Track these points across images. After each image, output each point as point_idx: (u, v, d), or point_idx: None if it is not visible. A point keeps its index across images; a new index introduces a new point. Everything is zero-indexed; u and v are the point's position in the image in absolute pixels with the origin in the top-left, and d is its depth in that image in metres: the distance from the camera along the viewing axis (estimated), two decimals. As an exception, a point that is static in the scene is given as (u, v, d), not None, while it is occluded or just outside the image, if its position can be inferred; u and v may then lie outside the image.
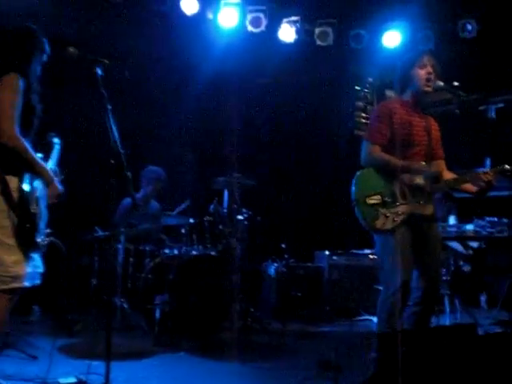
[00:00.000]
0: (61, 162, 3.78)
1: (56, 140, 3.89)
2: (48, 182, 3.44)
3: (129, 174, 3.40)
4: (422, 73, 4.06)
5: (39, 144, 3.49)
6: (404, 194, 3.93)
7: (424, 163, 3.99)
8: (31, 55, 3.48)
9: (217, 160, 7.57)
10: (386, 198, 3.92)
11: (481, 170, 4.08)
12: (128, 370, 4.34)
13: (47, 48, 3.60)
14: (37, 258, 3.43)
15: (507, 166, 3.91)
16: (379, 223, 3.88)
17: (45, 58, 3.61)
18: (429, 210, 3.99)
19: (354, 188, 4.03)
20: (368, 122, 4.34)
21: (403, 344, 2.99)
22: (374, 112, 4.27)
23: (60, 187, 3.53)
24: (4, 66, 3.35)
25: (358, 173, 4.07)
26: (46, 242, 3.51)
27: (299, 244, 7.81)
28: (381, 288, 4.09)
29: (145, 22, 6.94)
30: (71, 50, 3.52)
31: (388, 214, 3.88)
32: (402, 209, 3.90)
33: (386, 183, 3.95)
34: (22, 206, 3.24)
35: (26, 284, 3.33)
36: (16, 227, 3.23)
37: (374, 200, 3.92)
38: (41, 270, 3.47)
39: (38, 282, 3.44)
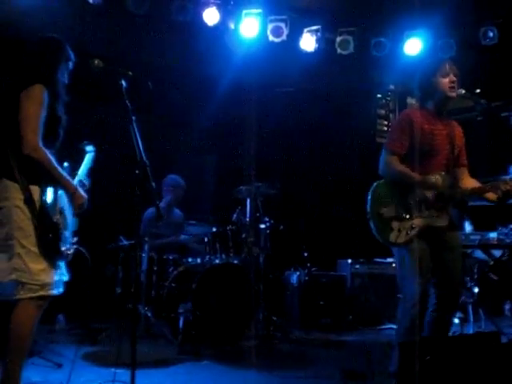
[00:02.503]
0: (91, 171, 3.85)
1: (90, 148, 3.95)
2: (71, 193, 3.49)
3: (153, 184, 3.44)
4: (445, 81, 4.02)
5: (70, 152, 3.56)
6: (418, 208, 3.90)
7: (439, 176, 3.95)
8: (56, 65, 3.53)
9: (239, 169, 7.61)
10: (400, 212, 3.90)
11: (503, 178, 4.05)
12: (152, 378, 4.38)
13: (72, 56, 3.65)
14: (63, 266, 3.49)
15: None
16: (393, 237, 3.87)
17: (71, 65, 3.66)
18: (444, 221, 3.95)
19: (368, 201, 4.03)
20: (389, 129, 4.33)
21: (426, 353, 2.98)
22: (395, 121, 4.31)
23: (84, 197, 3.56)
24: (29, 77, 3.40)
25: (374, 184, 4.07)
26: (71, 251, 3.57)
27: (321, 252, 7.80)
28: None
29: (167, 32, 7.01)
30: (96, 62, 3.56)
31: (401, 228, 3.86)
32: (416, 222, 3.88)
33: (400, 196, 3.93)
34: (43, 215, 3.29)
35: (54, 292, 3.38)
36: (40, 236, 3.29)
37: (388, 213, 3.92)
38: (65, 278, 3.52)
39: (61, 290, 3.49)
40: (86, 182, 3.78)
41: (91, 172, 3.88)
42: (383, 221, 3.92)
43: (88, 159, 3.91)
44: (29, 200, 3.27)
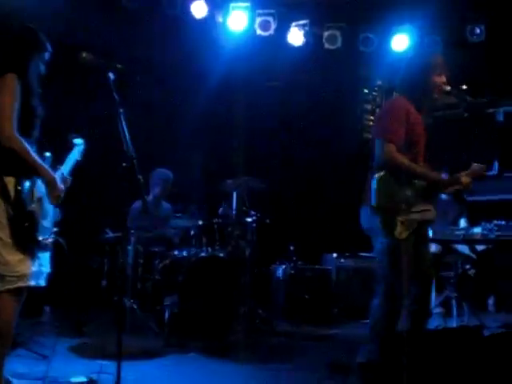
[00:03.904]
0: (76, 164, 3.82)
1: (78, 141, 3.90)
2: (47, 181, 3.44)
3: (140, 177, 3.44)
4: (438, 81, 4.03)
5: (54, 144, 3.52)
6: (415, 201, 3.91)
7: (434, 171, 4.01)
8: (29, 55, 3.49)
9: (226, 162, 7.63)
10: (402, 205, 3.87)
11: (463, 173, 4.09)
12: (138, 370, 4.38)
13: (49, 46, 3.61)
14: (43, 257, 3.45)
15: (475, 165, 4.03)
16: (398, 232, 3.81)
17: (47, 56, 3.61)
18: (433, 214, 3.98)
19: (373, 195, 3.87)
20: (378, 119, 4.24)
21: (409, 346, 3.02)
22: (388, 109, 4.13)
23: (61, 188, 3.54)
24: (1, 67, 3.36)
25: (376, 177, 3.88)
26: (50, 241, 3.51)
27: (307, 246, 7.84)
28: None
29: (155, 26, 7.00)
30: (84, 54, 3.54)
31: (404, 222, 3.84)
32: (415, 216, 3.88)
33: (400, 188, 3.86)
34: (19, 205, 3.26)
35: (32, 283, 3.35)
36: (15, 226, 3.26)
37: (393, 207, 3.82)
38: (47, 269, 3.49)
39: (42, 283, 3.45)
40: (68, 179, 3.72)
41: (77, 165, 3.86)
42: (388, 215, 3.83)
43: (75, 152, 3.88)
44: (2, 191, 3.25)
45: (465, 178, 3.98)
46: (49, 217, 3.49)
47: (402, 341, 3.13)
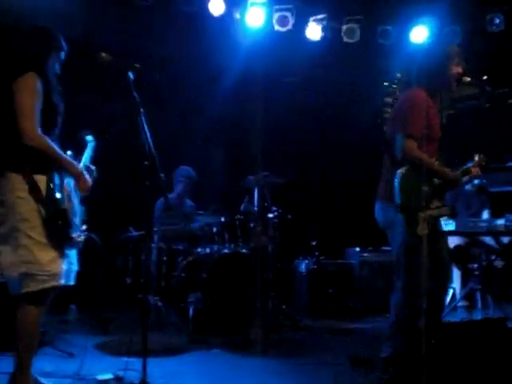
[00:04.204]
0: (97, 163, 3.85)
1: (89, 138, 3.91)
2: (76, 175, 3.48)
3: (162, 175, 3.47)
4: (456, 71, 3.99)
5: (73, 142, 3.56)
6: (432, 197, 3.88)
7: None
8: (47, 54, 3.50)
9: (246, 159, 7.64)
10: (422, 201, 3.83)
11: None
12: (164, 367, 4.43)
13: (64, 46, 3.62)
14: (72, 255, 3.47)
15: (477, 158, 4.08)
16: (420, 229, 3.78)
17: (62, 55, 3.63)
18: (449, 210, 3.98)
19: (397, 193, 3.81)
20: (398, 112, 4.17)
21: (433, 338, 3.01)
22: (409, 103, 4.02)
23: (89, 180, 3.57)
24: (21, 67, 3.37)
25: (398, 173, 3.83)
26: (82, 238, 3.52)
27: (329, 241, 7.83)
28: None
29: (173, 24, 7.02)
30: (103, 55, 3.57)
31: (424, 219, 3.81)
32: (433, 212, 3.86)
33: (420, 184, 3.77)
34: (52, 203, 3.28)
35: (62, 282, 3.36)
36: (48, 225, 3.27)
37: (414, 204, 3.77)
38: (75, 268, 3.51)
39: (71, 282, 3.47)
40: (93, 168, 3.75)
41: (100, 164, 3.89)
42: (412, 213, 3.78)
43: (89, 149, 3.89)
44: (33, 190, 3.25)
45: (474, 169, 4.05)
46: (78, 214, 3.51)
47: (425, 334, 3.12)
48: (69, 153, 3.59)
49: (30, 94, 3.30)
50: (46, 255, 3.29)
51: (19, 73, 3.33)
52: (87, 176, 3.58)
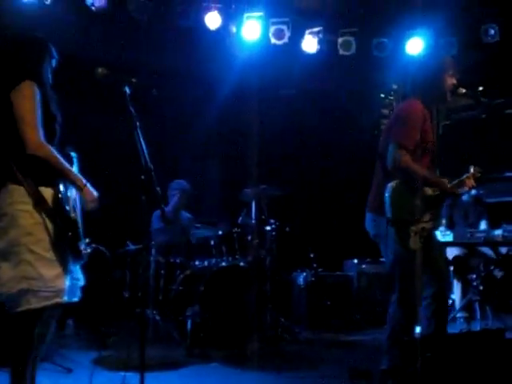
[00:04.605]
0: (94, 175, 3.83)
1: (73, 154, 3.82)
2: (81, 188, 3.35)
3: (158, 189, 3.46)
4: (450, 81, 4.03)
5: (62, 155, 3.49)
6: (425, 209, 3.88)
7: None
8: (42, 62, 3.43)
9: (243, 172, 7.65)
10: (414, 214, 3.83)
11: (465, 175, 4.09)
12: (162, 381, 4.43)
13: (55, 54, 3.55)
14: (76, 270, 3.36)
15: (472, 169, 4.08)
16: (412, 242, 3.79)
17: (54, 63, 3.55)
18: (442, 222, 4.03)
19: (389, 207, 3.81)
20: (394, 122, 4.18)
21: (430, 350, 3.00)
22: (405, 113, 4.04)
23: (95, 192, 3.45)
24: (17, 75, 3.28)
25: (389, 187, 3.82)
26: (88, 251, 3.43)
27: (328, 253, 7.83)
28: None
29: (170, 38, 7.06)
30: (100, 70, 3.54)
31: (417, 232, 3.82)
32: (426, 225, 3.87)
33: (412, 198, 3.82)
34: (60, 215, 3.17)
35: (66, 299, 3.23)
36: (57, 238, 3.17)
37: (406, 217, 3.80)
38: (81, 282, 3.39)
39: (76, 298, 3.34)
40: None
41: (96, 178, 3.86)
42: (403, 226, 3.80)
43: (74, 165, 3.82)
44: (39, 202, 3.14)
45: (468, 181, 4.04)
46: (81, 226, 3.38)
47: (422, 345, 3.11)
48: (73, 154, 3.53)
49: (31, 102, 3.21)
50: (51, 271, 3.15)
51: (16, 82, 3.24)
52: (91, 188, 3.45)
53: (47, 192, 3.19)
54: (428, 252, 3.91)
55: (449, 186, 3.99)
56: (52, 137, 3.35)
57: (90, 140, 3.81)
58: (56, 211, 3.17)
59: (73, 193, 3.38)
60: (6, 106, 3.23)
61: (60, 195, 3.20)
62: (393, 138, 3.91)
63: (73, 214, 3.25)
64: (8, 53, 3.46)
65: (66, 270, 3.22)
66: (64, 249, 3.21)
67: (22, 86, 3.24)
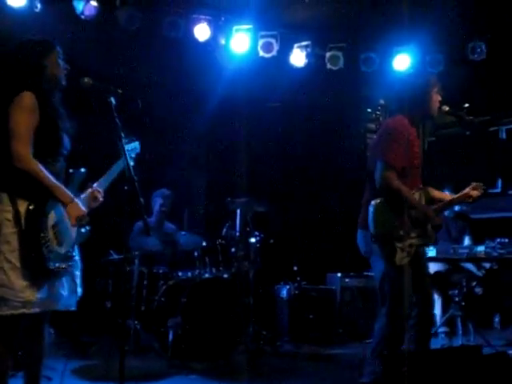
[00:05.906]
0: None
1: (81, 170, 3.78)
2: (66, 203, 3.33)
3: (141, 199, 3.45)
4: (436, 98, 4.13)
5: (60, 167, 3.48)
6: (412, 226, 3.93)
7: (420, 194, 4.05)
8: (42, 70, 3.40)
9: (228, 183, 7.66)
10: (400, 231, 3.87)
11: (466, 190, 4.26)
12: (141, 393, 4.40)
13: (61, 53, 3.54)
14: (68, 280, 3.37)
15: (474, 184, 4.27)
16: (398, 259, 3.84)
17: (62, 64, 3.52)
18: (432, 238, 4.07)
19: (371, 223, 3.88)
20: (379, 140, 4.25)
21: (408, 365, 3.02)
22: (390, 130, 4.10)
23: (83, 209, 3.43)
24: (16, 86, 3.29)
25: (372, 204, 3.90)
26: (67, 266, 3.35)
27: (311, 266, 7.83)
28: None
29: (158, 48, 7.07)
30: (85, 80, 3.55)
31: (403, 249, 3.85)
32: (413, 241, 3.91)
33: (397, 215, 3.88)
34: (29, 231, 3.17)
35: (36, 310, 3.23)
36: (25, 253, 3.17)
37: (391, 234, 3.85)
38: (78, 293, 3.49)
39: (73, 307, 3.46)
40: (98, 192, 3.60)
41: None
42: (388, 243, 3.86)
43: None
44: (16, 214, 3.17)
45: (473, 192, 4.23)
46: (67, 242, 3.36)
47: (403, 361, 3.13)
48: (82, 170, 3.52)
49: (24, 113, 3.22)
50: (21, 281, 3.17)
51: (14, 93, 3.25)
52: (80, 204, 3.43)
53: (22, 205, 3.20)
54: (416, 270, 3.96)
55: (428, 209, 4.04)
56: (55, 146, 3.37)
57: (73, 149, 3.77)
58: (26, 227, 3.18)
59: (60, 209, 3.34)
60: (4, 117, 3.25)
61: (31, 209, 3.18)
62: (380, 157, 3.96)
63: (46, 233, 3.21)
64: (7, 63, 3.45)
65: (36, 282, 3.22)
66: (32, 264, 3.20)
67: (18, 98, 3.25)
